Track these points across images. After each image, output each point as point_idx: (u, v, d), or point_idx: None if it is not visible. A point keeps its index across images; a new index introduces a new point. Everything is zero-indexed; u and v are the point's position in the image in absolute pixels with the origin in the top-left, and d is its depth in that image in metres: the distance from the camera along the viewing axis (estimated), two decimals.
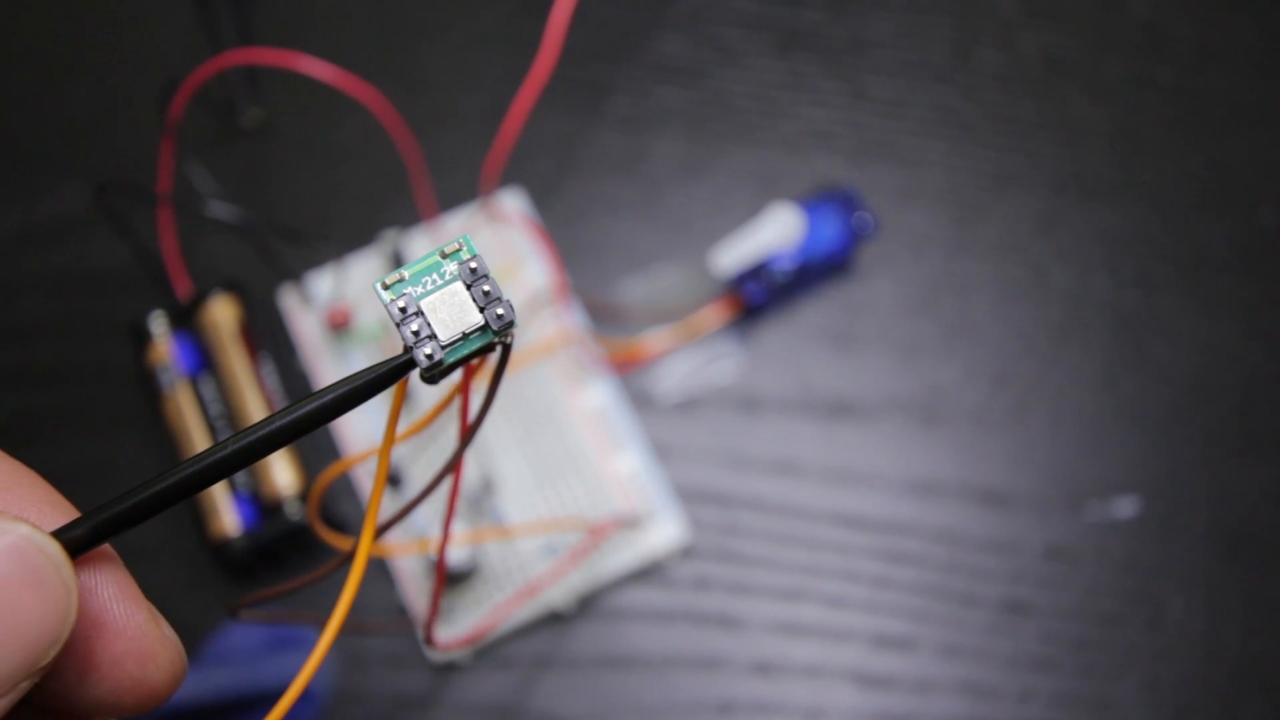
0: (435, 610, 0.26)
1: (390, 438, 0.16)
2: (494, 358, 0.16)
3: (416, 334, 0.15)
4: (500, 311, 0.15)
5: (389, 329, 0.40)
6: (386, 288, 0.15)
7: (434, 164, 0.40)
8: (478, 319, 0.15)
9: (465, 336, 0.15)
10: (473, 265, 0.15)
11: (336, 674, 0.36)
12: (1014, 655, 0.37)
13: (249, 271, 0.40)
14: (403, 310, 0.15)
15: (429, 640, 0.32)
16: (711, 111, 0.44)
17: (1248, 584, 0.38)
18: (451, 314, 0.15)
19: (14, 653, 0.13)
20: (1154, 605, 0.38)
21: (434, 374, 0.15)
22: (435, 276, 0.15)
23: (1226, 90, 0.45)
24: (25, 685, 0.14)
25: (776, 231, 0.38)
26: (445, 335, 0.15)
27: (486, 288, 0.15)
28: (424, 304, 0.15)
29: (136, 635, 0.16)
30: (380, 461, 0.16)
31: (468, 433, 0.17)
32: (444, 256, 0.15)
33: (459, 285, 0.15)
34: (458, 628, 0.36)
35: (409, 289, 0.15)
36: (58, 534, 0.15)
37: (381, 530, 0.17)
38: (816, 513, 0.39)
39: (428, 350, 0.15)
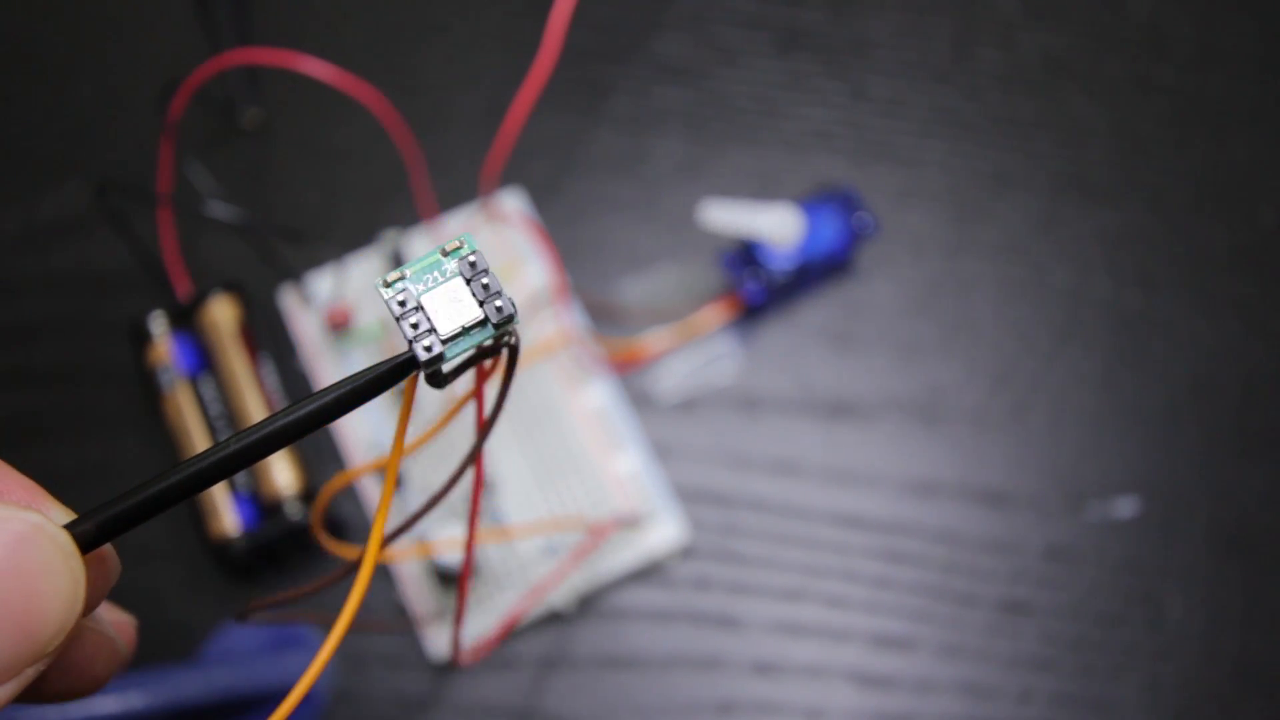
0: (461, 622, 0.25)
1: (399, 447, 0.16)
2: (505, 359, 0.16)
3: (416, 328, 0.15)
4: (499, 304, 0.15)
5: (389, 329, 0.40)
6: (387, 285, 0.15)
7: (434, 164, 0.40)
8: (477, 313, 0.15)
9: (465, 330, 0.15)
10: (472, 260, 0.15)
11: (336, 674, 0.36)
12: (1014, 655, 0.37)
13: (249, 271, 0.40)
14: (402, 305, 0.15)
15: (455, 661, 0.30)
16: (711, 111, 0.44)
17: (1248, 584, 0.38)
18: (451, 308, 0.15)
19: (21, 639, 0.13)
20: (1154, 605, 0.38)
21: (436, 371, 0.15)
22: (436, 274, 0.15)
23: (1226, 90, 0.45)
24: (31, 672, 0.14)
25: (774, 223, 0.38)
26: (445, 329, 0.15)
27: (486, 281, 0.15)
28: (424, 299, 0.15)
29: (108, 634, 0.16)
30: (389, 471, 0.16)
31: (483, 430, 0.17)
32: (445, 254, 0.15)
33: (459, 281, 0.15)
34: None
35: (409, 286, 0.15)
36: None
37: (389, 540, 0.17)
38: (816, 513, 0.39)
39: (427, 343, 0.15)
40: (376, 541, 0.16)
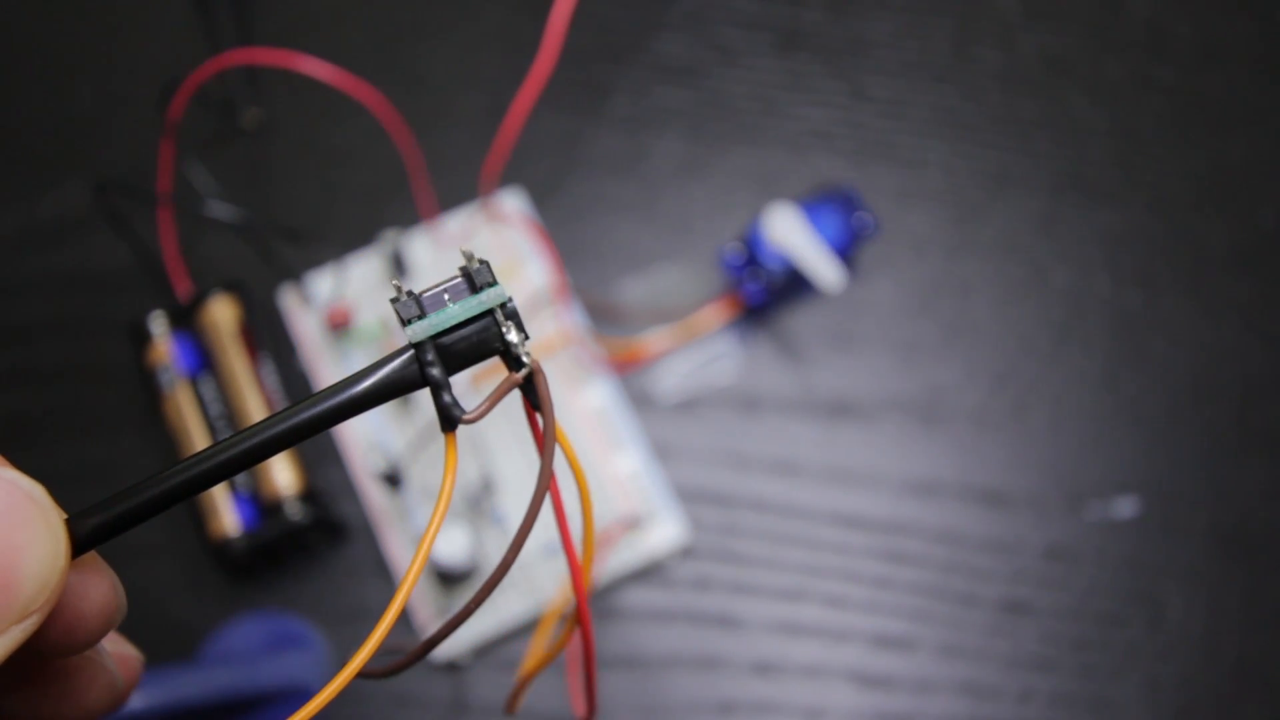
0: (593, 701, 0.22)
1: (437, 523, 0.16)
2: (527, 378, 0.15)
3: (400, 298, 0.15)
4: (478, 267, 0.15)
5: (390, 328, 0.40)
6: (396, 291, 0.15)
7: (434, 164, 0.40)
8: (458, 280, 0.15)
9: (445, 294, 0.15)
10: (477, 260, 0.15)
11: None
12: (1014, 655, 0.37)
13: (249, 271, 0.40)
14: (397, 290, 0.15)
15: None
16: (711, 111, 0.44)
17: (1248, 584, 0.38)
18: (438, 283, 0.15)
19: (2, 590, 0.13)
20: (1154, 605, 0.38)
21: (438, 374, 0.15)
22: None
23: (1226, 90, 0.45)
24: (17, 632, 0.14)
25: (787, 228, 0.38)
26: (427, 292, 0.15)
27: (473, 262, 0.15)
28: (419, 291, 0.15)
29: (107, 667, 0.16)
30: (417, 559, 0.16)
31: (545, 454, 0.16)
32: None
33: (457, 274, 0.15)
34: (458, 629, 0.36)
35: (412, 287, 0.15)
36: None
37: (429, 647, 0.16)
38: (816, 513, 0.39)
39: (408, 309, 0.15)
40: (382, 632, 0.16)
